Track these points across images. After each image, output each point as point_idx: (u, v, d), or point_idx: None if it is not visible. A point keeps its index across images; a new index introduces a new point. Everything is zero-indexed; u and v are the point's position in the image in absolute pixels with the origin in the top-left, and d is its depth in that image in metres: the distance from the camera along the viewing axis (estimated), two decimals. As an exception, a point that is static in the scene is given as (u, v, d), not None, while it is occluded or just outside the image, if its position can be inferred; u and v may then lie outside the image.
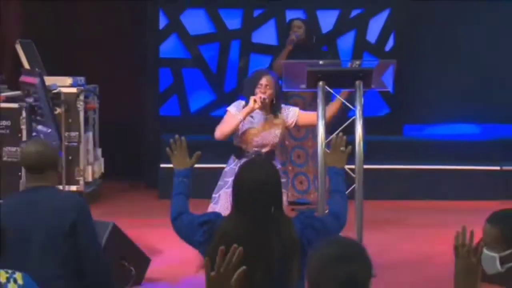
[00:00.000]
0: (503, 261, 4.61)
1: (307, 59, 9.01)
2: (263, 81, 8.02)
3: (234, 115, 8.00)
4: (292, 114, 8.17)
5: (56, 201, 5.54)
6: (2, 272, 4.37)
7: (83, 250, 5.50)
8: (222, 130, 8.03)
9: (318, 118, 8.14)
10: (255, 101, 7.89)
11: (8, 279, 4.33)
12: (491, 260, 4.63)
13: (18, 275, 4.36)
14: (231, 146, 8.19)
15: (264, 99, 7.89)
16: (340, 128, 8.44)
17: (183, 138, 5.61)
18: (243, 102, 8.06)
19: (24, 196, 5.65)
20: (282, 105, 8.21)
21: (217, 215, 5.42)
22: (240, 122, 7.95)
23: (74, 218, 5.45)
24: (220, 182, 8.09)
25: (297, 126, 8.69)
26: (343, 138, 5.76)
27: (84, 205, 5.67)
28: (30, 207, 5.45)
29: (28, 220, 5.40)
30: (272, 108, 8.09)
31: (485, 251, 4.57)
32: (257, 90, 7.98)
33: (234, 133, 8.03)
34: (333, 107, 8.28)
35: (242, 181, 5.15)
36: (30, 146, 5.76)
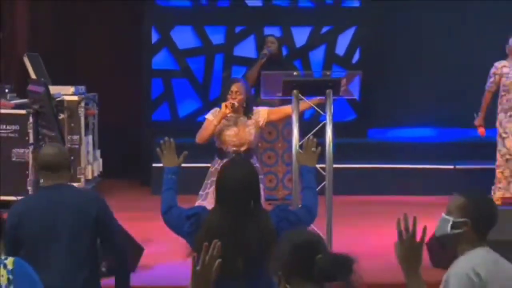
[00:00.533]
0: (453, 226, 4.65)
1: (275, 69, 9.12)
2: (234, 88, 8.15)
3: (211, 121, 8.10)
4: (262, 113, 8.28)
5: (78, 197, 5.55)
6: None
7: (112, 235, 5.61)
8: (201, 136, 8.17)
9: (292, 123, 8.20)
10: (226, 106, 8.00)
11: None
12: (445, 222, 4.70)
13: (9, 261, 4.30)
14: (214, 147, 8.25)
15: (233, 104, 8.00)
16: (312, 132, 8.49)
17: (171, 139, 5.64)
18: (218, 109, 8.15)
19: (46, 193, 5.57)
20: (254, 108, 8.30)
21: (203, 208, 5.42)
22: (215, 126, 8.06)
23: (98, 210, 5.48)
24: (207, 181, 8.16)
25: (269, 128, 8.77)
26: (314, 140, 5.81)
27: (102, 199, 5.72)
28: (55, 203, 5.41)
29: (55, 215, 5.37)
30: (244, 111, 8.18)
31: (443, 215, 4.70)
32: (229, 97, 8.10)
33: (212, 136, 8.12)
34: (306, 105, 8.38)
35: (224, 180, 5.18)
36: (48, 148, 5.77)
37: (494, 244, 7.38)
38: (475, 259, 4.60)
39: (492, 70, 11.19)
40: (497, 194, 11.22)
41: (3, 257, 4.34)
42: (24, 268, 4.36)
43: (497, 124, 11.20)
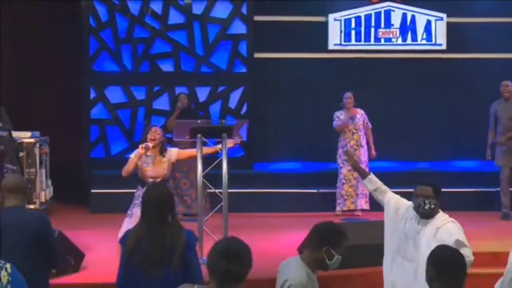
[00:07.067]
0: None
1: (189, 120, 9.13)
2: (153, 129, 8.24)
3: (133, 159, 8.11)
4: (173, 153, 8.29)
5: (28, 216, 5.49)
6: None
7: (51, 247, 5.50)
8: (124, 171, 8.15)
9: (197, 158, 8.23)
10: (141, 148, 8.04)
11: (1, 268, 4.24)
12: None
13: (8, 265, 4.26)
14: (138, 178, 8.21)
15: (147, 146, 8.01)
16: (212, 164, 8.51)
17: None
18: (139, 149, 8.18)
19: (7, 212, 5.45)
20: (168, 148, 8.29)
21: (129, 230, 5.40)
22: (135, 163, 8.07)
23: (41, 227, 5.45)
24: (134, 202, 8.09)
25: (182, 163, 8.84)
26: None
27: (47, 219, 5.65)
28: (11, 222, 5.28)
29: (13, 228, 5.26)
30: (160, 151, 8.16)
31: None
32: (148, 136, 8.15)
33: (133, 170, 8.10)
34: (209, 150, 8.42)
35: (147, 198, 5.18)
36: (11, 176, 5.83)
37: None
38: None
39: (335, 119, 11.56)
40: (337, 208, 11.53)
41: (2, 262, 4.27)
42: (16, 272, 4.32)
43: (337, 157, 11.56)
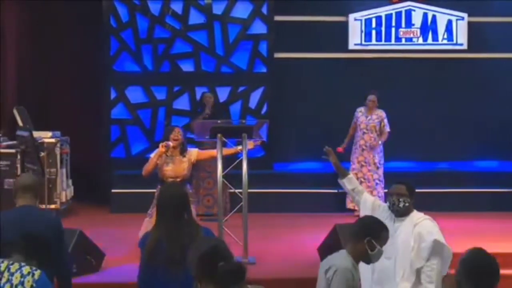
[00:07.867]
0: None
1: (213, 119, 9.16)
2: (176, 129, 8.22)
3: (152, 158, 8.11)
4: (193, 153, 8.28)
5: (39, 217, 5.26)
6: (27, 267, 4.20)
7: (61, 252, 5.28)
8: (144, 170, 8.16)
9: (217, 158, 8.24)
10: (162, 146, 8.03)
11: (28, 273, 4.18)
12: None
13: (37, 273, 4.18)
14: (158, 178, 8.22)
15: (167, 144, 8.00)
16: (232, 165, 8.51)
17: None
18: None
19: (15, 211, 5.28)
20: (188, 149, 8.29)
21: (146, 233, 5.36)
22: (155, 162, 8.07)
23: (53, 230, 5.19)
24: (154, 202, 8.07)
25: (207, 162, 8.86)
26: None
27: (59, 221, 5.46)
28: (22, 220, 5.07)
29: (18, 228, 4.89)
30: (180, 151, 8.15)
31: None
32: (171, 136, 8.13)
33: (153, 170, 8.09)
34: (229, 151, 8.41)
35: (161, 200, 5.20)
36: (24, 175, 5.74)
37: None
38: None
39: (355, 114, 11.59)
40: (347, 205, 11.60)
41: (33, 268, 4.19)
42: (45, 280, 4.22)
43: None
